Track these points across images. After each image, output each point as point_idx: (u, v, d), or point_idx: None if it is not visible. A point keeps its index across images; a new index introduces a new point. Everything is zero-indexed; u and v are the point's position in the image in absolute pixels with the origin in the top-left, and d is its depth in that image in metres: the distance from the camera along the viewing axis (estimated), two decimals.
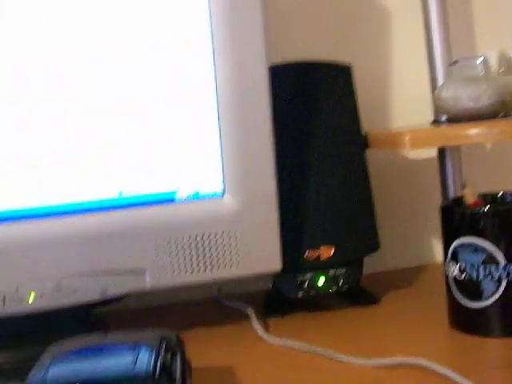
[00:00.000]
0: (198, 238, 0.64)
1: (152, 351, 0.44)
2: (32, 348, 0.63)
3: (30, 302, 0.62)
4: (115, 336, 0.49)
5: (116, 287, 0.64)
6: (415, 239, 0.95)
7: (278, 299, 0.76)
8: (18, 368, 0.62)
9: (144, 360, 0.42)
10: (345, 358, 0.60)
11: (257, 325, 0.69)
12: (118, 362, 0.42)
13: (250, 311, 0.73)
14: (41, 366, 0.44)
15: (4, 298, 0.62)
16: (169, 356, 0.44)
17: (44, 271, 0.62)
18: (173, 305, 0.82)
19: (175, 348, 0.47)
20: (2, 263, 0.61)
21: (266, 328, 0.70)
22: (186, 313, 0.80)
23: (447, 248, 0.64)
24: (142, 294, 0.66)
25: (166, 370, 0.42)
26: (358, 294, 0.76)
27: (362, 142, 0.76)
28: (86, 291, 0.63)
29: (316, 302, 0.76)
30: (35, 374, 0.42)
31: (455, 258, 0.63)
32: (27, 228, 0.62)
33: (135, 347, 0.44)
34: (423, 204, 0.95)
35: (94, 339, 0.49)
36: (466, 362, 0.57)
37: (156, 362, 0.42)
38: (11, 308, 0.62)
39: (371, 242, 0.75)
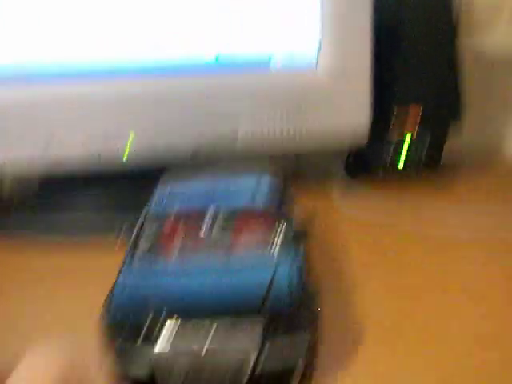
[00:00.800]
0: (291, 106, 0.66)
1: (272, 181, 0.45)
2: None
3: (125, 158, 0.65)
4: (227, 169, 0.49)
5: (207, 149, 0.66)
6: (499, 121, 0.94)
7: (359, 168, 0.78)
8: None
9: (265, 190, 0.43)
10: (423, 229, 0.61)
11: (340, 194, 0.71)
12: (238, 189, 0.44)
13: (331, 179, 0.75)
14: (160, 196, 0.45)
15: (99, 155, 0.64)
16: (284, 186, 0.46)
17: (144, 125, 0.64)
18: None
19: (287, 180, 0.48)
20: (107, 112, 0.64)
21: (347, 198, 0.71)
22: None
23: None
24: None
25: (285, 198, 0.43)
26: (438, 166, 0.78)
27: (453, 19, 0.76)
28: (179, 150, 0.65)
29: (397, 173, 0.78)
30: (156, 204, 0.44)
31: None
32: (133, 83, 0.64)
33: (250, 191, 0.45)
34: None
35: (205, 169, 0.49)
36: None
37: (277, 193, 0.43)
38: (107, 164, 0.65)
39: (457, 112, 0.75)
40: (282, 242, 0.39)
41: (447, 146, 0.77)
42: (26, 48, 0.62)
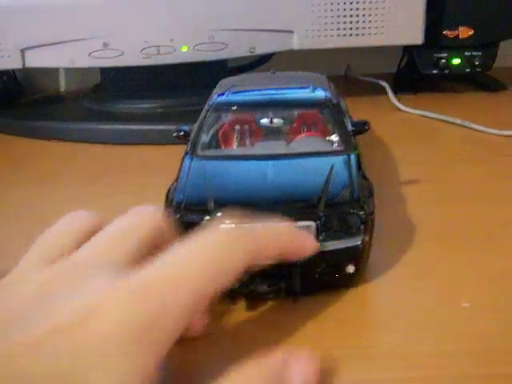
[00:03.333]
0: (347, 4, 0.66)
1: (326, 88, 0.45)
2: (190, 97, 0.68)
3: (183, 53, 0.66)
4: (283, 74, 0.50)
5: (264, 46, 0.67)
6: None
7: (408, 77, 0.79)
8: (183, 111, 0.67)
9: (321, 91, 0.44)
10: (477, 127, 0.62)
11: (392, 96, 0.72)
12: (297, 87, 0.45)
13: (386, 85, 0.75)
14: (222, 88, 0.46)
15: (159, 48, 0.66)
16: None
17: (197, 24, 0.65)
18: None
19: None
20: (158, 15, 0.65)
21: (400, 101, 0.72)
22: None
23: None
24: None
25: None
26: (488, 80, 0.78)
27: None
28: (237, 46, 0.66)
29: (446, 84, 0.79)
30: (218, 95, 0.45)
31: None
32: None
33: (310, 85, 0.46)
34: None
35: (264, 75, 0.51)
36: None
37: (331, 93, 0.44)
38: (165, 58, 0.66)
39: (509, 29, 0.75)
40: (340, 136, 0.40)
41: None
42: None
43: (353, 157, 0.38)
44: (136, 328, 0.24)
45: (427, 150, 0.58)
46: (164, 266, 0.26)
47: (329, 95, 0.43)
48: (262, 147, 0.40)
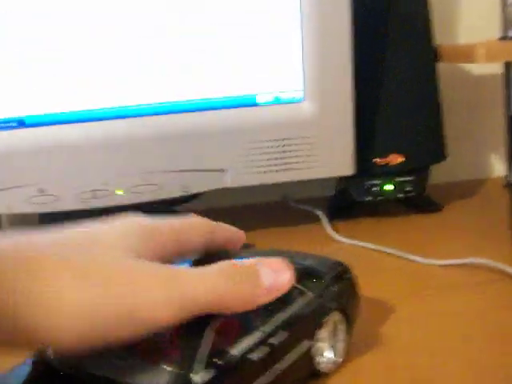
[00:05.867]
0: (277, 141, 0.68)
1: None
2: None
3: (118, 196, 0.67)
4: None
5: (197, 185, 0.68)
6: (476, 153, 0.97)
7: (342, 204, 0.80)
8: None
9: None
10: (414, 257, 0.63)
11: (327, 225, 0.73)
12: None
13: (321, 213, 0.77)
14: None
15: (94, 192, 0.66)
16: None
17: (131, 168, 0.66)
18: (241, 207, 0.86)
19: None
20: (93, 161, 0.66)
21: (335, 229, 0.73)
22: (256, 214, 0.84)
23: None
24: (211, 196, 0.70)
25: None
26: (422, 202, 0.80)
27: (434, 54, 0.78)
28: (170, 187, 0.67)
29: (380, 209, 0.80)
30: None
31: None
32: (117, 126, 0.66)
33: None
34: (486, 119, 0.96)
35: None
36: None
37: None
38: (102, 201, 0.67)
39: (439, 152, 0.77)
40: None
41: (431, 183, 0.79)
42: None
43: None
44: None
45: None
46: None
47: None
48: None
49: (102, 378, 0.34)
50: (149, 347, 0.35)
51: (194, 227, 0.40)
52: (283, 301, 0.39)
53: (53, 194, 0.66)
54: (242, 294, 0.35)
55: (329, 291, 0.43)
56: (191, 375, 0.33)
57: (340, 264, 0.47)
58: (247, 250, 0.48)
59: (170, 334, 0.35)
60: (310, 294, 0.42)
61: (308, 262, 0.45)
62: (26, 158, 0.65)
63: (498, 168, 0.96)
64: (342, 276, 0.46)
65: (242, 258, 0.39)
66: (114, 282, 0.32)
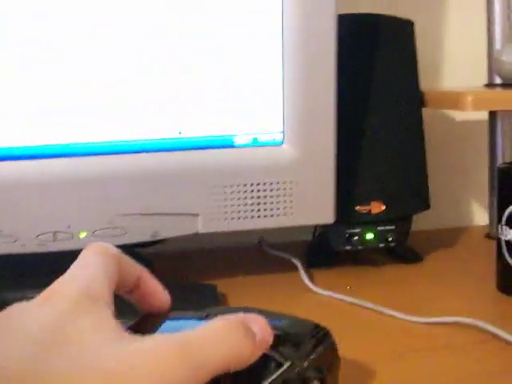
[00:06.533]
0: (254, 186, 0.64)
1: None
2: None
3: (81, 239, 0.62)
4: None
5: (167, 230, 0.64)
6: (459, 201, 0.95)
7: (321, 251, 0.76)
8: None
9: None
10: (395, 313, 0.60)
11: (304, 275, 0.69)
12: None
13: (297, 261, 0.73)
14: None
15: (55, 234, 0.62)
16: None
17: (96, 209, 0.62)
18: (213, 250, 0.82)
19: None
20: (54, 200, 0.61)
21: (312, 279, 0.69)
22: (228, 259, 0.80)
23: (502, 211, 0.63)
24: (183, 239, 0.66)
25: None
26: (403, 251, 0.76)
27: (420, 100, 0.75)
28: (138, 232, 0.63)
29: (360, 257, 0.76)
30: None
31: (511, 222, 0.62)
32: (82, 164, 0.62)
33: None
34: (472, 166, 0.94)
35: None
36: None
37: None
38: (62, 244, 0.62)
39: (422, 201, 0.75)
40: None
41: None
42: None
43: None
44: None
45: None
46: None
47: None
48: None
49: None
50: None
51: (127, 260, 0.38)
52: (258, 373, 0.35)
53: (10, 234, 0.61)
54: (245, 349, 0.33)
55: (309, 360, 0.39)
56: None
57: (320, 328, 0.43)
58: (219, 307, 0.44)
59: None
60: (288, 365, 0.38)
61: (285, 325, 0.41)
62: None
63: (479, 216, 0.94)
64: (322, 342, 0.42)
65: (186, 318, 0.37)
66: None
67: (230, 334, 0.32)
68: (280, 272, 0.73)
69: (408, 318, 0.59)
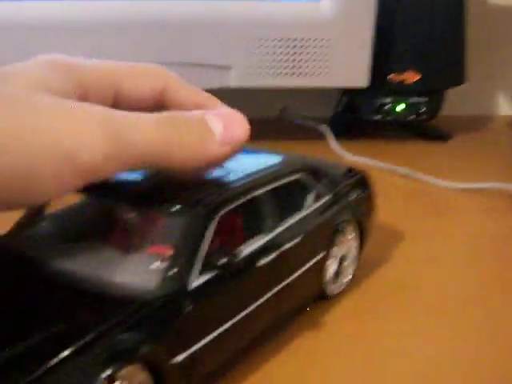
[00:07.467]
0: (290, 41, 0.61)
1: None
2: None
3: None
4: None
5: (198, 81, 0.61)
6: (485, 90, 0.92)
7: (346, 121, 0.74)
8: None
9: None
10: (430, 179, 0.58)
11: (333, 142, 0.67)
12: None
13: (326, 129, 0.71)
14: None
15: None
16: None
17: (127, 58, 0.59)
18: None
19: None
20: (83, 45, 0.58)
21: (342, 147, 0.67)
22: (254, 128, 0.77)
23: None
24: None
25: None
26: (429, 130, 0.74)
27: None
28: None
29: (386, 129, 0.74)
30: None
31: None
32: (113, 8, 0.59)
33: None
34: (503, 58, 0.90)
35: None
36: None
37: None
38: None
39: (457, 76, 0.72)
40: None
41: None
42: None
43: None
44: None
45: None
46: None
47: None
48: None
49: (70, 273, 0.27)
50: (129, 235, 0.29)
51: (140, 74, 0.32)
52: (295, 203, 0.34)
53: None
54: (188, 144, 0.28)
55: (345, 200, 0.38)
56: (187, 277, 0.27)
57: (359, 172, 0.41)
58: None
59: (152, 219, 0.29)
60: (324, 200, 0.36)
61: (323, 166, 0.39)
62: None
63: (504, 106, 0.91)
64: (360, 185, 0.40)
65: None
66: (41, 115, 0.25)
67: (160, 126, 0.28)
68: (305, 140, 0.70)
69: (445, 183, 0.57)
